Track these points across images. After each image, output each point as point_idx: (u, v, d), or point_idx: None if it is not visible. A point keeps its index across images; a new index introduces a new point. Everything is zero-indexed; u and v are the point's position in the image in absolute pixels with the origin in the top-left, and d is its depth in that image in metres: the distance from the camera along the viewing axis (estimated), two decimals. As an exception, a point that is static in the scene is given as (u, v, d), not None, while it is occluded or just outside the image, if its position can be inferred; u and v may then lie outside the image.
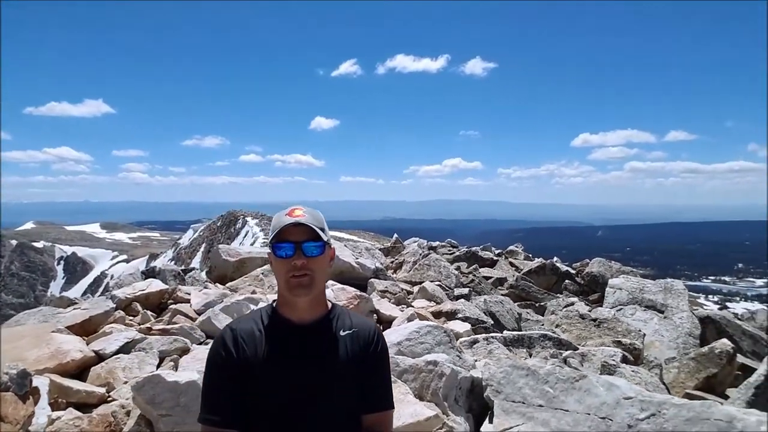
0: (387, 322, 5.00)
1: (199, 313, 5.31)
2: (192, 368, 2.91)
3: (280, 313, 1.63)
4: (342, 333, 1.62)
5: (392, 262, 10.74)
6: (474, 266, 10.46)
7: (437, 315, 5.31)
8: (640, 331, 5.28)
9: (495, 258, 12.42)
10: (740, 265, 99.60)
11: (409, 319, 4.65)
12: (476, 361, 3.65)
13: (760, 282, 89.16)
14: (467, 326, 4.80)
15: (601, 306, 7.04)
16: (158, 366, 3.53)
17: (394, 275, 8.77)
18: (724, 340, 4.59)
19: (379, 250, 11.48)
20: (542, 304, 8.12)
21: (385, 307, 5.26)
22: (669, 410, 2.30)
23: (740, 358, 5.03)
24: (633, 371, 3.63)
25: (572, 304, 7.31)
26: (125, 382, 3.27)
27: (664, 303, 6.28)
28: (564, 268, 10.09)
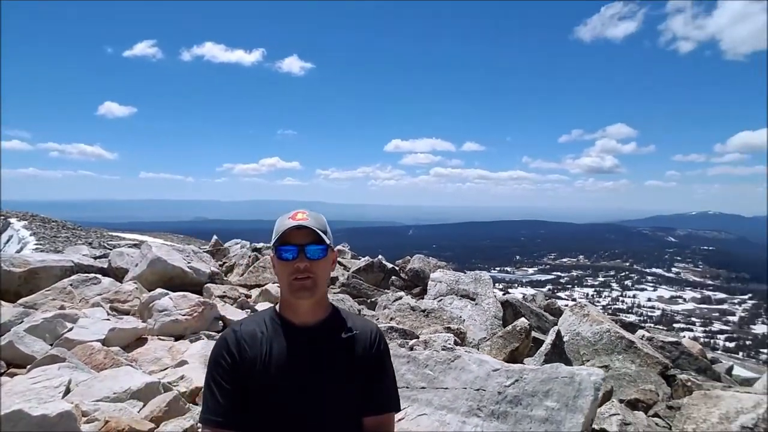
0: (235, 328, 4.85)
1: (-10, 337, 4.39)
2: (30, 400, 2.42)
3: (283, 315, 1.63)
4: (344, 335, 1.63)
5: (221, 266, 10.26)
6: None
7: (285, 317, 5.33)
8: (460, 317, 6.12)
9: (324, 258, 12.77)
10: (518, 257, 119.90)
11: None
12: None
13: (531, 270, 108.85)
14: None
15: (424, 298, 7.89)
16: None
17: (226, 279, 8.43)
18: (523, 319, 5.62)
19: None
20: (373, 299, 8.70)
21: (231, 313, 5.05)
22: (528, 375, 2.84)
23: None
24: (467, 351, 4.25)
25: (400, 298, 8.02)
26: None
27: (475, 291, 7.35)
28: (389, 265, 10.91)
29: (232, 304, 5.77)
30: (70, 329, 4.38)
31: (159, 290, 5.70)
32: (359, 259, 13.09)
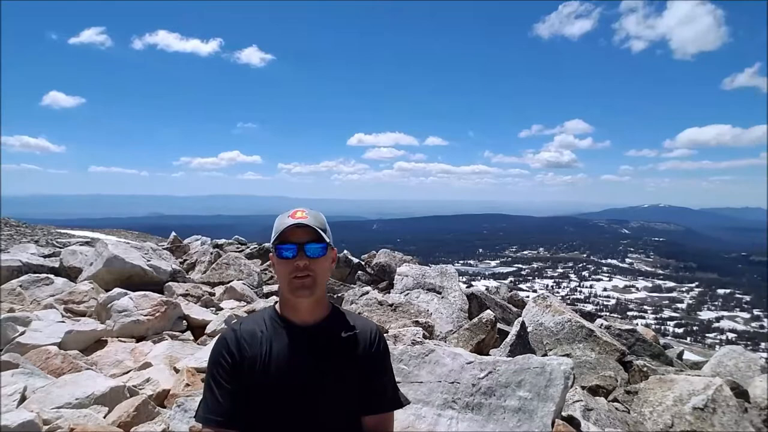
0: (200, 327, 4.70)
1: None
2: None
3: (282, 314, 1.63)
4: (343, 334, 1.63)
5: (182, 263, 9.99)
6: (268, 262, 10.49)
7: (251, 313, 5.22)
8: (427, 310, 6.18)
9: (289, 254, 12.64)
10: (480, 250, 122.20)
11: (227, 322, 4.46)
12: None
13: (493, 263, 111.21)
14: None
15: (391, 292, 7.92)
16: None
17: (188, 276, 8.21)
18: (488, 311, 5.72)
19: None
20: (340, 295, 8.68)
21: (196, 312, 4.91)
22: (501, 367, 2.91)
23: (496, 324, 6.31)
24: (437, 344, 4.30)
25: (367, 292, 8.02)
26: None
27: (441, 285, 7.43)
28: (355, 260, 10.90)
29: (195, 303, 5.61)
30: (22, 333, 4.15)
31: (117, 290, 5.49)
32: (324, 254, 13.00)
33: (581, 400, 3.33)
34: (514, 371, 2.86)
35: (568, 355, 5.40)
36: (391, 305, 6.17)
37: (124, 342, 4.34)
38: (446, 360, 2.94)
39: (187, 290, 6.08)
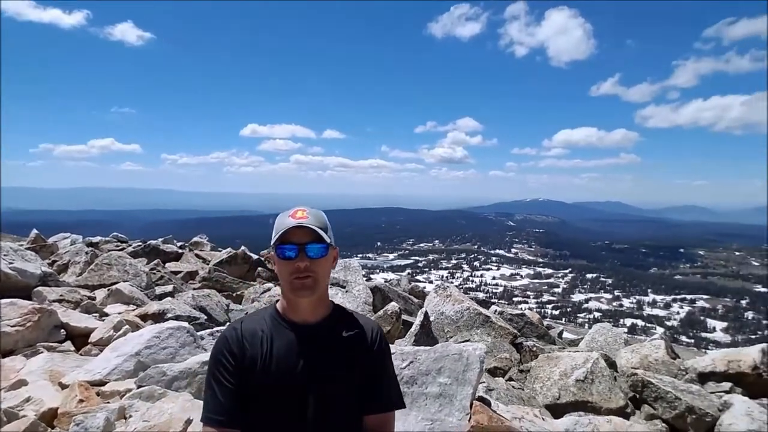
0: (82, 335, 4.19)
1: None
2: None
3: (284, 313, 1.63)
4: (345, 334, 1.63)
5: (51, 265, 8.89)
6: (156, 261, 9.75)
7: (144, 318, 4.78)
8: (333, 305, 6.17)
9: (179, 251, 11.84)
10: (379, 244, 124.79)
11: (116, 328, 4.03)
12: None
13: (391, 256, 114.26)
14: (185, 325, 4.54)
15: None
16: None
17: (62, 280, 7.31)
18: (393, 304, 5.87)
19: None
20: (239, 293, 8.32)
21: (76, 319, 4.37)
22: (421, 356, 2.97)
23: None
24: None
25: (269, 289, 7.80)
26: None
27: (345, 279, 7.46)
28: (254, 256, 10.52)
29: (74, 309, 5.00)
30: None
31: (-27, 298, 4.71)
32: (219, 251, 12.37)
33: (483, 382, 3.54)
34: (434, 359, 2.99)
35: (467, 341, 5.72)
36: (295, 301, 6.06)
37: (-14, 358, 3.72)
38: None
39: (61, 295, 5.40)
